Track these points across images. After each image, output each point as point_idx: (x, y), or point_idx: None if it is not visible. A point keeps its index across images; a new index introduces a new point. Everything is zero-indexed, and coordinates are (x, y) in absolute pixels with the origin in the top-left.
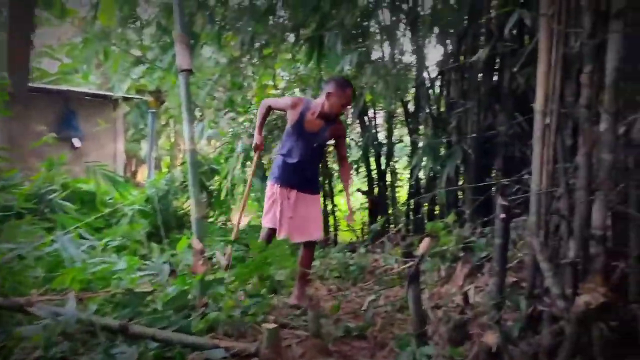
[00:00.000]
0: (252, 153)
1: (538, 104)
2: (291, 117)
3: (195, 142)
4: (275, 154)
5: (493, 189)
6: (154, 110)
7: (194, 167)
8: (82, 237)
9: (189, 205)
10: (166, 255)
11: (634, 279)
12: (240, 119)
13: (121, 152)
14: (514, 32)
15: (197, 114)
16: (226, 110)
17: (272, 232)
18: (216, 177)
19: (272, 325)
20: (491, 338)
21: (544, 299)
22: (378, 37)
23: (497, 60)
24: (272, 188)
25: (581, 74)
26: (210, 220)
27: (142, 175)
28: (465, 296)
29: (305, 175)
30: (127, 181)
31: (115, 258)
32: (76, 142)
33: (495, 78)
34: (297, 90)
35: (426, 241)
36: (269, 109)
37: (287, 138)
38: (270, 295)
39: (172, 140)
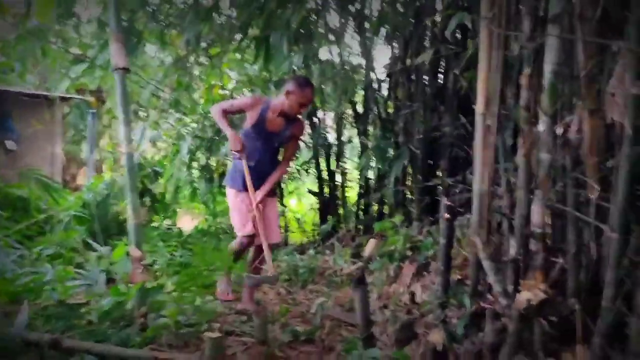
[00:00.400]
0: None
1: (479, 106)
2: (251, 117)
3: (133, 144)
4: (231, 158)
5: (439, 188)
6: (94, 111)
7: (131, 170)
8: (12, 246)
9: None
10: (103, 263)
11: (571, 274)
12: (187, 120)
13: (59, 154)
14: (458, 35)
15: (142, 114)
16: (171, 111)
17: (251, 240)
18: (160, 180)
19: (215, 334)
20: (436, 337)
21: (487, 297)
22: (325, 37)
23: (442, 62)
24: (238, 195)
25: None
26: (155, 225)
27: (83, 178)
28: (412, 295)
29: (266, 177)
30: (64, 186)
31: (48, 267)
32: (10, 144)
33: (440, 80)
34: (245, 90)
35: (372, 242)
36: (225, 112)
37: (245, 139)
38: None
39: (114, 141)
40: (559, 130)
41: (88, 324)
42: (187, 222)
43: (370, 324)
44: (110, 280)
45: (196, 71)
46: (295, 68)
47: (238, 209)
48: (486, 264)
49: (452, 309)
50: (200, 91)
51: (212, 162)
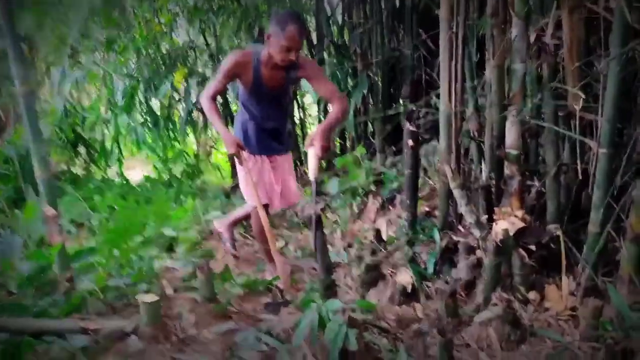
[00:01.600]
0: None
1: (443, 11)
2: (244, 79)
3: (32, 82)
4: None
5: (402, 116)
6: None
7: (30, 112)
8: None
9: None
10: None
11: (551, 198)
12: (121, 59)
13: None
14: None
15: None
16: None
17: (267, 208)
18: (97, 127)
19: (150, 297)
20: (405, 278)
21: (458, 229)
22: None
23: None
24: (249, 159)
25: None
26: (100, 176)
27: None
28: (377, 232)
29: (279, 137)
30: None
31: None
32: None
33: None
34: (183, 25)
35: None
36: (214, 97)
37: (246, 103)
38: (164, 254)
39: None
40: (533, 36)
41: (8, 295)
42: (137, 171)
43: (330, 271)
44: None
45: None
46: None
47: (244, 175)
48: (457, 193)
49: (420, 244)
50: (134, 29)
51: (155, 104)
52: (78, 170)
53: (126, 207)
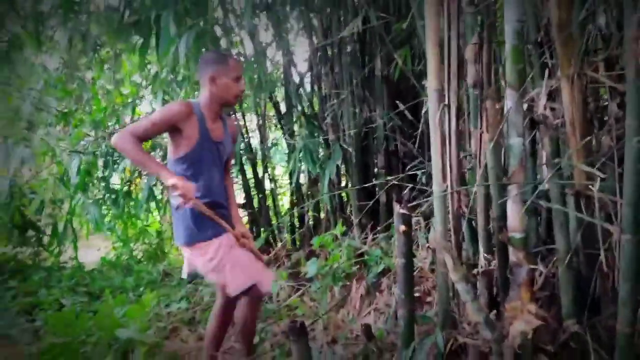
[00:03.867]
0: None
1: (431, 81)
2: (187, 133)
3: None
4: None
5: (378, 190)
6: None
7: None
8: None
9: None
10: None
11: (565, 288)
12: (80, 134)
13: None
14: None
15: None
16: (60, 125)
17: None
18: (48, 209)
19: None
20: None
21: (463, 328)
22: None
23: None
24: (222, 242)
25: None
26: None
27: None
28: (367, 328)
29: (223, 205)
30: None
31: None
32: None
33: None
34: (148, 95)
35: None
36: (139, 140)
37: (193, 167)
38: None
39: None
40: (524, 106)
41: None
42: (94, 250)
43: None
44: None
45: (88, 76)
46: (183, 50)
47: (228, 260)
48: (461, 287)
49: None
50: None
51: (115, 181)
52: (26, 258)
53: (70, 312)
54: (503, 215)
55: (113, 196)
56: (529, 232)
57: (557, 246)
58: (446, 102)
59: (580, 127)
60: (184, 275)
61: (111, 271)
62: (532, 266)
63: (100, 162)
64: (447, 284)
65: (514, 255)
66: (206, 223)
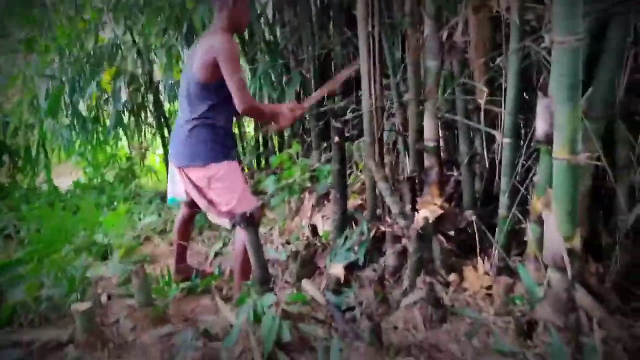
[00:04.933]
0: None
1: (360, 11)
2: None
3: None
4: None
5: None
6: None
7: None
8: None
9: None
10: None
11: (466, 186)
12: (47, 59)
13: None
14: None
15: None
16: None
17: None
18: (21, 133)
19: (84, 305)
20: (337, 269)
21: (386, 220)
22: None
23: None
24: (236, 167)
25: None
26: (26, 185)
27: None
28: (314, 228)
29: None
30: None
31: None
32: None
33: None
34: (108, 22)
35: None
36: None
37: (220, 99)
38: (98, 262)
39: None
40: (444, 34)
41: None
42: (66, 178)
43: (265, 266)
44: None
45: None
46: None
47: (240, 183)
48: (381, 186)
49: (353, 236)
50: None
51: (82, 107)
52: (3, 179)
53: (54, 216)
54: (421, 128)
55: (82, 121)
56: (439, 141)
57: (461, 152)
58: (370, 29)
59: (481, 51)
60: (170, 196)
61: (84, 192)
62: (445, 170)
63: (66, 88)
64: (373, 184)
65: (427, 160)
66: (228, 146)
